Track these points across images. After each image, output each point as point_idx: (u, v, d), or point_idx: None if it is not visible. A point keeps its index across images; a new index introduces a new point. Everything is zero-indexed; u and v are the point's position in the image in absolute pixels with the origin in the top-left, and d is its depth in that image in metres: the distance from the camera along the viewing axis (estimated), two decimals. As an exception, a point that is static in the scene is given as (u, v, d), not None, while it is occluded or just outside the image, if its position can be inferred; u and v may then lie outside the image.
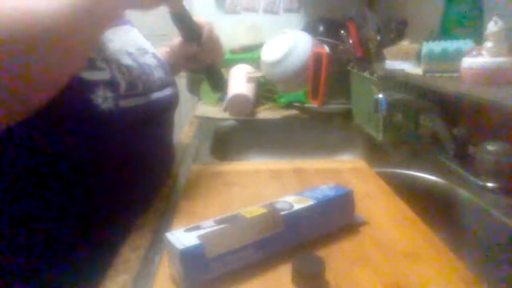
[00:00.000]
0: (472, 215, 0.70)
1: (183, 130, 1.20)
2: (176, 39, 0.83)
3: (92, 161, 0.55)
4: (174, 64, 0.84)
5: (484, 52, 0.69)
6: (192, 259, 0.42)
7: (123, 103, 0.55)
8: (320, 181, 0.72)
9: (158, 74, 0.69)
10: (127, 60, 0.61)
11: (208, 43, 0.79)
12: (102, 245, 0.54)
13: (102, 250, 0.52)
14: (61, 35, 0.44)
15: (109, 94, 0.53)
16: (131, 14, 0.68)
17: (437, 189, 0.79)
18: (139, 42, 0.70)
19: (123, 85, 0.57)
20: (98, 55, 0.56)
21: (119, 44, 0.62)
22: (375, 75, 1.03)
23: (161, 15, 0.77)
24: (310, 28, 1.59)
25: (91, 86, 0.52)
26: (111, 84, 0.55)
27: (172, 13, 0.75)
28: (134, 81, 0.60)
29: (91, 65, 0.54)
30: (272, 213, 0.49)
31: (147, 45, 0.73)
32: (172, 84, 0.74)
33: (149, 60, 0.68)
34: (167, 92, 0.69)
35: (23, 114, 0.45)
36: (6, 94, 0.41)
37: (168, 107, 0.71)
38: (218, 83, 0.89)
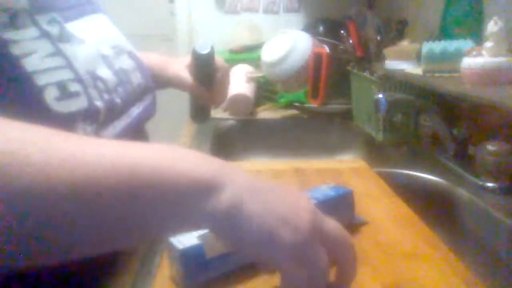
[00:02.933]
0: (472, 215, 0.70)
1: (183, 130, 1.20)
2: (188, 72, 0.73)
3: None
4: (166, 83, 0.75)
5: (484, 52, 0.69)
6: (192, 259, 0.42)
7: (105, 134, 0.46)
8: (320, 181, 0.72)
9: (137, 79, 0.57)
10: (102, 69, 0.49)
11: (216, 88, 0.73)
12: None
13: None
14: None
15: (88, 127, 0.43)
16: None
17: (437, 189, 0.79)
18: (114, 37, 0.57)
19: (102, 109, 0.45)
20: (69, 71, 0.43)
21: (92, 45, 0.49)
22: (375, 75, 1.03)
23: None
24: (310, 28, 1.59)
25: (68, 121, 0.41)
26: (90, 113, 0.43)
27: (198, 54, 0.69)
28: (112, 98, 0.49)
29: (63, 90, 0.41)
30: (272, 213, 0.49)
31: (122, 40, 0.59)
32: (151, 90, 0.63)
33: (125, 62, 0.56)
34: (146, 101, 0.60)
35: None
36: None
37: (146, 120, 0.61)
38: (201, 114, 0.79)
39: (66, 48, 0.44)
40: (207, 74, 0.72)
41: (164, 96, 0.76)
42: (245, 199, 0.32)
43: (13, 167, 0.26)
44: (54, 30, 0.44)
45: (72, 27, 0.48)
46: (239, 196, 0.32)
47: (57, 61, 0.42)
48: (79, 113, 0.42)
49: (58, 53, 0.43)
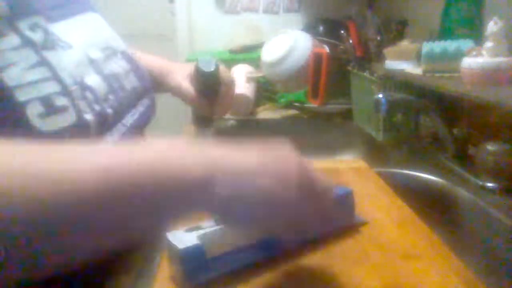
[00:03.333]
0: (472, 215, 0.70)
1: (184, 130, 1.20)
2: (189, 83, 0.69)
3: None
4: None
5: (484, 52, 0.69)
6: (192, 259, 0.42)
7: None
8: (320, 181, 0.72)
9: (131, 83, 0.53)
10: (91, 76, 0.45)
11: (220, 101, 0.70)
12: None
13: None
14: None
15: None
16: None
17: (437, 189, 0.79)
18: (105, 37, 0.53)
19: (92, 122, 0.42)
20: (54, 83, 0.39)
21: (80, 50, 0.46)
22: (375, 75, 1.03)
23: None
24: (310, 28, 1.59)
25: (54, 140, 0.37)
26: (79, 128, 0.40)
27: (201, 71, 0.65)
28: (103, 108, 0.45)
29: (48, 105, 0.38)
30: (272, 213, 0.49)
31: (115, 40, 0.55)
32: (148, 92, 0.59)
33: (117, 64, 0.52)
34: (143, 106, 0.56)
35: None
36: None
37: (144, 126, 0.57)
38: (204, 122, 0.77)
39: (51, 56, 0.40)
40: (210, 89, 0.69)
41: (164, 96, 0.75)
42: (237, 186, 0.33)
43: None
44: (37, 36, 0.40)
45: (58, 29, 0.44)
46: (231, 185, 0.33)
47: (41, 72, 0.39)
48: (67, 130, 0.39)
49: (42, 62, 0.39)
